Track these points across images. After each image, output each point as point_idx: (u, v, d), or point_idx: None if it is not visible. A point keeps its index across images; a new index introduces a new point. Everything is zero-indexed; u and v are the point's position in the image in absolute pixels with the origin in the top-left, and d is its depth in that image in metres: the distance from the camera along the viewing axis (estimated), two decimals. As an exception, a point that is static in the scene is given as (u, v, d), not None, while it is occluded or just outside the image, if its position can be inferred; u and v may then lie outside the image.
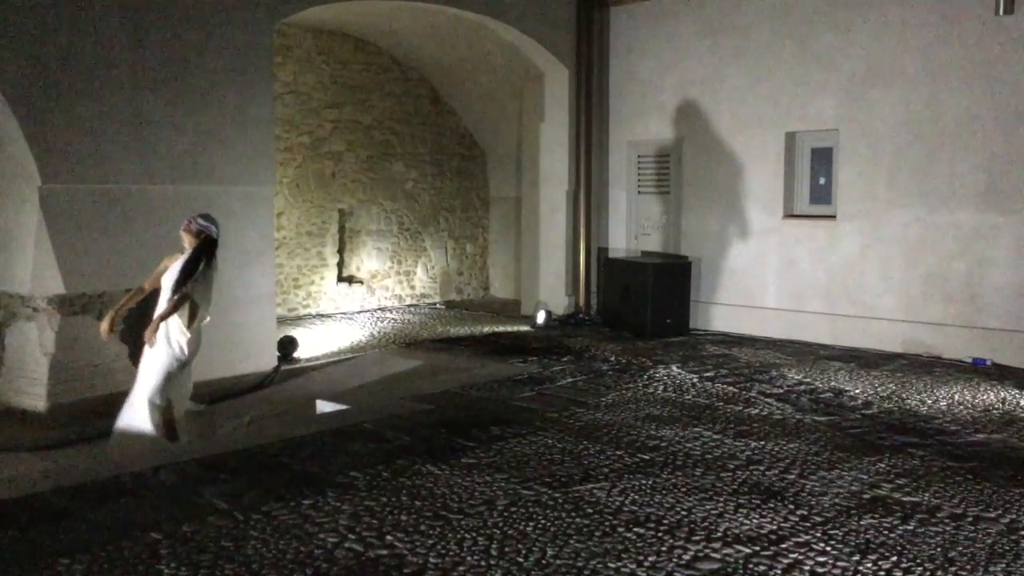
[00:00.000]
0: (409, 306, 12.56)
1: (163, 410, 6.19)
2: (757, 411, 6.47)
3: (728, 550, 3.95)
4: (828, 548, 3.99)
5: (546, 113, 11.36)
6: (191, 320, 6.17)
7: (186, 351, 6.19)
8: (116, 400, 7.17)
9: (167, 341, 6.13)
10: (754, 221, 9.97)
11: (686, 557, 3.88)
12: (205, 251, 6.16)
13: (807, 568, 3.79)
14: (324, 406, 7.20)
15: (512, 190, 13.17)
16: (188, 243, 6.17)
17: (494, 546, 3.97)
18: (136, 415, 6.17)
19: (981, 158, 8.39)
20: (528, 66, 11.27)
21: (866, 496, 4.66)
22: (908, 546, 4.02)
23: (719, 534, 4.13)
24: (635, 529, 4.18)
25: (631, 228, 11.17)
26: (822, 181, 9.68)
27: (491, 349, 9.11)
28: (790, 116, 9.66)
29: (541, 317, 10.66)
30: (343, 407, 6.95)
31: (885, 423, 6.18)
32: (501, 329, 10.49)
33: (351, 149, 11.84)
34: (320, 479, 4.85)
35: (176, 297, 6.06)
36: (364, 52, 11.93)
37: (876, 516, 4.37)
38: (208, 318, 6.35)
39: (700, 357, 8.57)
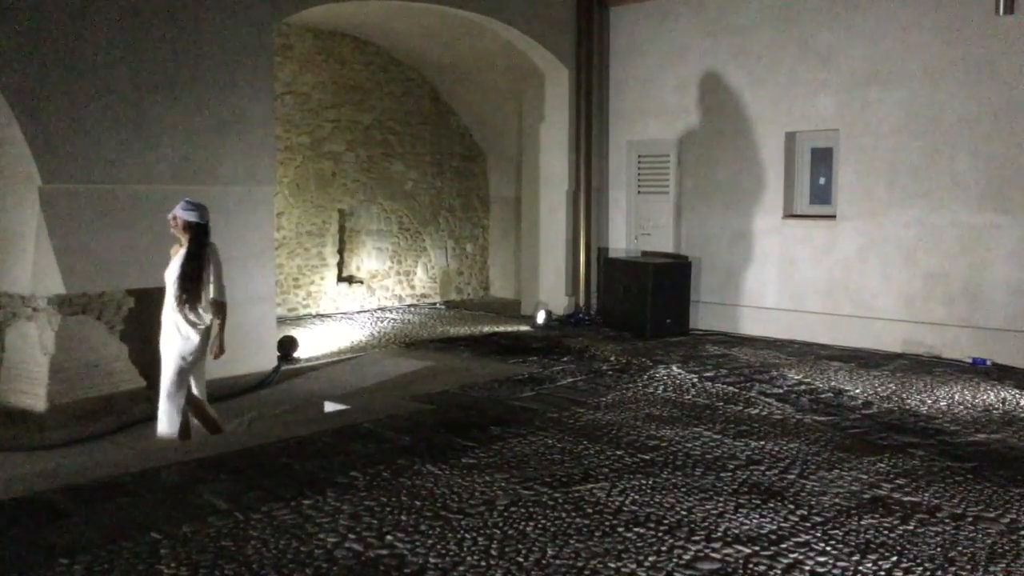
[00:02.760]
0: (409, 306, 12.56)
1: (180, 405, 6.20)
2: (757, 411, 6.47)
3: (728, 550, 3.95)
4: (828, 548, 3.99)
5: (546, 113, 11.36)
6: (217, 312, 6.21)
7: (196, 342, 6.15)
8: (116, 400, 7.19)
9: (177, 332, 6.11)
10: (754, 221, 9.97)
11: (686, 557, 3.88)
12: (201, 244, 6.08)
13: (807, 568, 3.79)
14: (324, 406, 7.20)
15: (512, 190, 13.17)
16: (183, 239, 6.11)
17: (494, 546, 3.97)
18: (160, 418, 6.20)
19: (981, 158, 8.39)
20: (528, 66, 11.27)
21: (866, 496, 4.66)
22: (908, 546, 4.02)
23: (719, 534, 4.13)
24: (635, 529, 4.18)
25: (631, 228, 11.17)
26: (822, 181, 9.68)
27: (491, 349, 9.11)
28: (790, 116, 9.66)
29: (541, 317, 10.66)
30: (343, 407, 6.95)
31: (885, 423, 6.18)
32: (501, 329, 10.49)
33: (351, 149, 11.84)
34: (320, 479, 4.85)
35: (215, 305, 6.16)
36: (364, 52, 11.93)
37: (876, 516, 4.37)
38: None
39: (700, 357, 8.57)
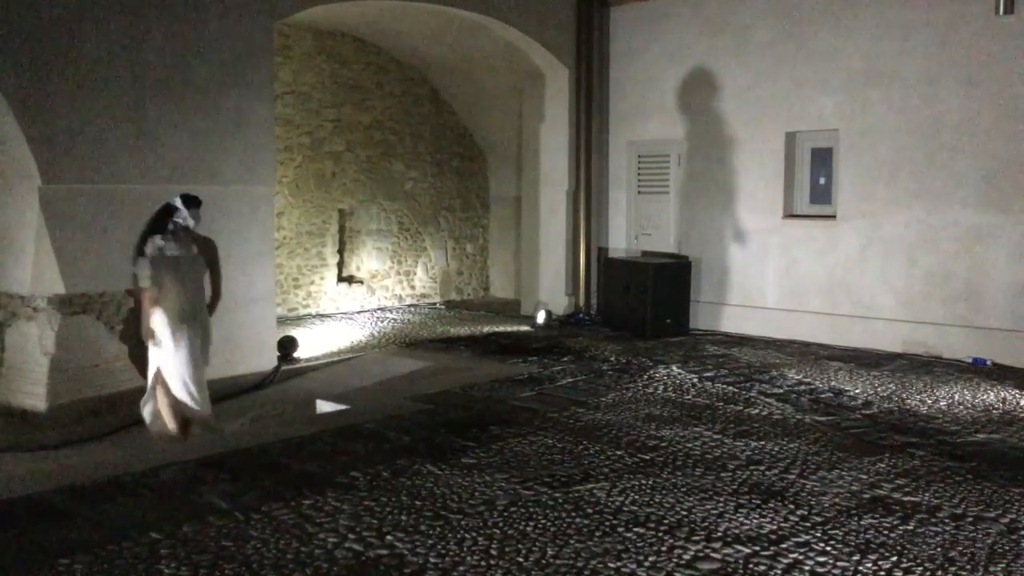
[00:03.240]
0: (409, 306, 12.56)
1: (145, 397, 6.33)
2: (757, 411, 6.47)
3: (728, 550, 3.95)
4: (828, 548, 3.99)
5: (546, 113, 11.35)
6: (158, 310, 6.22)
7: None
8: (117, 400, 7.19)
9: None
10: (754, 221, 9.96)
11: (686, 557, 3.88)
12: (147, 230, 6.21)
13: (807, 568, 3.79)
14: (324, 406, 7.20)
15: (512, 190, 13.17)
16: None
17: (494, 546, 3.97)
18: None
19: (981, 158, 8.39)
20: (528, 66, 11.27)
21: (866, 496, 4.66)
22: (908, 546, 4.02)
23: (719, 534, 4.13)
24: (635, 529, 4.18)
25: (631, 228, 11.17)
26: (822, 181, 9.68)
27: (491, 349, 9.11)
28: (790, 116, 9.66)
29: (541, 317, 10.66)
30: (343, 407, 6.95)
31: (885, 423, 6.18)
32: (501, 329, 10.49)
33: (351, 149, 11.84)
34: (320, 479, 4.85)
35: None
36: (364, 52, 11.93)
37: (876, 516, 4.37)
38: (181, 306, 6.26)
39: (700, 357, 8.57)
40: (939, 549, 3.99)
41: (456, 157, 13.20)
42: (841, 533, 4.16)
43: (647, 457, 5.31)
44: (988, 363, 8.23)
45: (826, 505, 4.52)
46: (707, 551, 3.94)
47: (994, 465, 5.22)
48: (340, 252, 11.92)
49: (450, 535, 4.08)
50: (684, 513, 4.39)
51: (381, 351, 9.21)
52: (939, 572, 3.75)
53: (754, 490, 4.74)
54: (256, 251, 8.26)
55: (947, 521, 4.32)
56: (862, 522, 4.29)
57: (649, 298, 9.71)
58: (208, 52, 7.75)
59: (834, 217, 9.41)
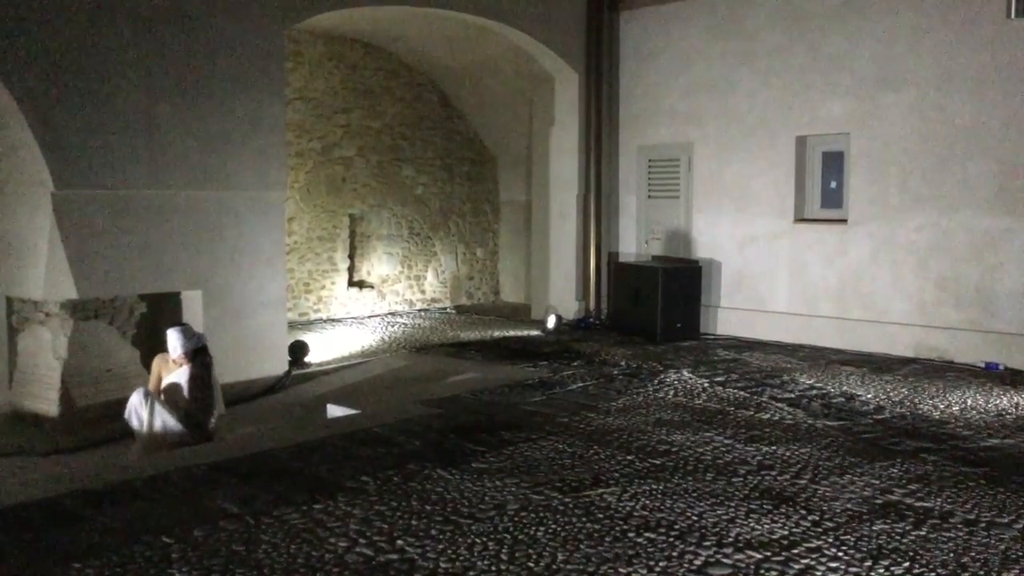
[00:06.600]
0: (420, 311, 12.58)
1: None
2: (768, 416, 6.45)
3: (739, 555, 3.94)
4: (840, 554, 3.97)
5: (556, 117, 11.36)
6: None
7: None
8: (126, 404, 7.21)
9: None
10: (765, 225, 9.94)
11: (697, 562, 3.87)
12: (206, 366, 6.22)
13: (819, 574, 3.77)
14: (334, 410, 7.21)
15: (522, 194, 13.18)
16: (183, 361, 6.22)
17: (504, 551, 3.97)
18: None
19: (993, 161, 8.35)
20: (538, 70, 11.28)
21: (878, 501, 4.64)
22: (920, 552, 4.00)
23: (730, 539, 4.12)
24: (646, 534, 4.17)
25: (641, 232, 11.16)
26: (833, 185, 9.66)
27: (501, 353, 9.12)
28: (801, 120, 9.64)
29: (551, 322, 10.65)
30: (353, 411, 6.96)
31: (897, 428, 6.15)
32: (511, 333, 10.50)
33: (361, 154, 11.88)
34: (331, 483, 4.86)
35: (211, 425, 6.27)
36: (374, 57, 11.97)
37: (888, 521, 4.35)
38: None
39: (711, 361, 8.55)
40: (952, 555, 3.97)
41: (466, 162, 13.23)
42: (853, 539, 4.14)
43: (658, 462, 5.30)
44: (1001, 367, 8.18)
45: (838, 511, 4.50)
46: (718, 556, 3.93)
47: (1007, 470, 5.19)
48: (351, 257, 11.95)
49: (460, 540, 4.08)
50: (695, 518, 4.38)
51: (391, 355, 9.23)
52: (952, 578, 3.74)
53: (765, 495, 4.72)
54: (267, 256, 8.30)
55: (960, 527, 4.30)
56: (874, 528, 4.27)
57: (659, 302, 9.70)
58: (220, 58, 7.79)
59: (845, 221, 9.38)
